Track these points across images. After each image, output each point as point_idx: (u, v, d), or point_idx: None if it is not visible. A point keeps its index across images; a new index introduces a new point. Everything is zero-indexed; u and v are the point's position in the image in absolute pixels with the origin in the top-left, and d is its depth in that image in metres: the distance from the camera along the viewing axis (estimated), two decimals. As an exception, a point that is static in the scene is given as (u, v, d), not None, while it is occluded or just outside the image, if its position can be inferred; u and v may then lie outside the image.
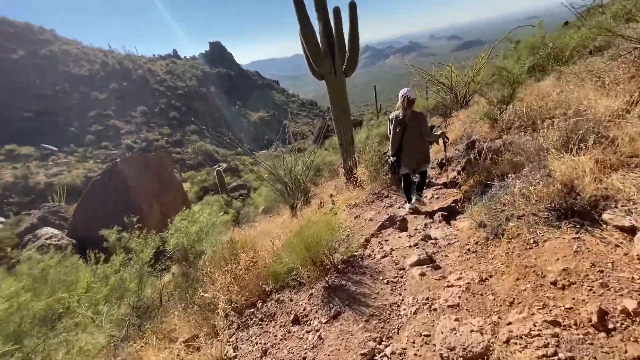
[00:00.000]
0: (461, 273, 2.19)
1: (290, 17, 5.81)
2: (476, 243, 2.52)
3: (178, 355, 2.54)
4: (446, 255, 2.59)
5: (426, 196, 4.38)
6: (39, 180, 36.90)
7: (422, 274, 2.34)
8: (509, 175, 2.60)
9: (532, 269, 1.90)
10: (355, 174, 6.43)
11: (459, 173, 4.72)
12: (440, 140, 4.05)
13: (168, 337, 3.05)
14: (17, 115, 51.43)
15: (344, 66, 6.37)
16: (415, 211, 3.90)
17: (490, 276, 2.06)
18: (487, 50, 10.67)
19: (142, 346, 2.85)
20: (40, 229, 12.26)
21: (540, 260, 1.91)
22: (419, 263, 2.46)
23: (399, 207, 4.19)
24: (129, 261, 4.38)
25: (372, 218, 4.04)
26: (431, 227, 3.35)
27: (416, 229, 3.36)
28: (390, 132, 3.97)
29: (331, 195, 7.49)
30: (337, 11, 6.29)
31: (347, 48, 6.30)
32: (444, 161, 5.26)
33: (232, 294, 2.70)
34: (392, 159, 3.93)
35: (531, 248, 2.02)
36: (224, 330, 2.60)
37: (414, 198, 4.07)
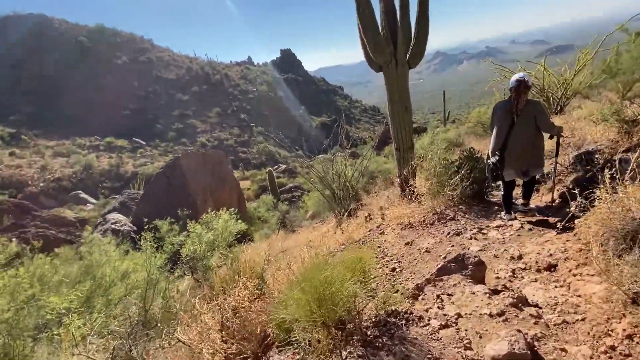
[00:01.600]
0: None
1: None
2: (629, 338, 1.33)
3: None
4: (563, 349, 1.43)
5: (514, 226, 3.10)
6: (127, 169, 42.17)
7: (519, 389, 1.26)
8: None
9: None
10: (412, 185, 5.28)
11: (564, 197, 3.32)
12: (555, 139, 3.15)
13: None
14: (118, 112, 59.86)
15: (407, 55, 5.28)
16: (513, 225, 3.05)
17: None
18: (595, 43, 8.59)
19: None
20: (110, 213, 13.37)
21: None
22: (510, 357, 1.36)
23: (470, 237, 3.00)
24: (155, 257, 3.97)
25: (430, 249, 2.93)
26: (524, 277, 2.16)
27: (498, 278, 2.20)
28: (492, 126, 3.32)
29: (381, 208, 6.46)
30: (404, -9, 5.25)
31: (412, 33, 5.20)
32: (548, 174, 3.90)
33: (215, 343, 1.93)
34: (493, 159, 3.24)
35: None
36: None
37: (515, 213, 3.40)
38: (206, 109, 72.50)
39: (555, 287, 1.92)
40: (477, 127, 9.92)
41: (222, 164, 15.68)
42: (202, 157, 15.06)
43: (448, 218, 3.74)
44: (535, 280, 2.07)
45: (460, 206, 3.99)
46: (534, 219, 3.12)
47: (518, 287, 2.02)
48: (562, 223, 2.59)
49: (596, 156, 3.16)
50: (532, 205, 3.61)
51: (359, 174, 10.44)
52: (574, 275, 1.87)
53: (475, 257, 2.09)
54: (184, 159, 14.11)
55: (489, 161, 3.33)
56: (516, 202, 3.76)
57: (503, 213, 3.48)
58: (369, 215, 6.48)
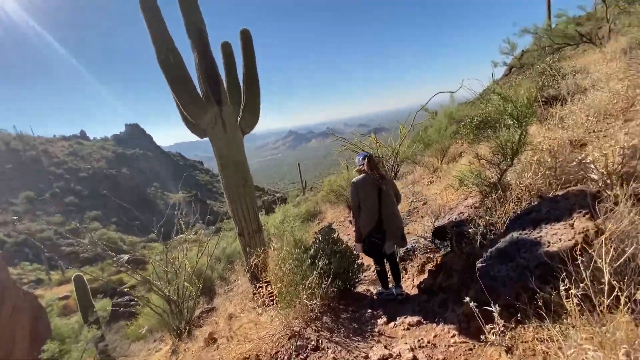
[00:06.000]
0: None
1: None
2: None
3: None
4: None
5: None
6: None
7: None
8: None
9: None
10: (263, 282, 3.82)
11: (434, 280, 2.53)
12: None
13: None
14: None
15: (238, 118, 4.25)
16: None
17: None
18: (409, 119, 10.41)
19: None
20: None
21: None
22: None
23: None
24: None
25: None
26: None
27: None
28: (358, 204, 3.03)
29: (230, 317, 4.69)
30: (226, 48, 4.40)
31: (242, 93, 4.29)
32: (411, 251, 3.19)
33: None
34: (375, 237, 2.95)
35: None
36: None
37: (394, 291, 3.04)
38: (9, 194, 54.75)
39: None
40: (330, 195, 9.88)
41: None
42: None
43: (310, 348, 2.37)
44: None
45: (324, 318, 2.73)
46: (423, 338, 2.08)
47: None
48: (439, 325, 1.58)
49: (467, 227, 2.57)
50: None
51: (211, 259, 8.36)
52: None
53: None
54: None
55: (372, 239, 2.98)
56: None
57: (379, 289, 3.29)
58: (212, 335, 4.53)
